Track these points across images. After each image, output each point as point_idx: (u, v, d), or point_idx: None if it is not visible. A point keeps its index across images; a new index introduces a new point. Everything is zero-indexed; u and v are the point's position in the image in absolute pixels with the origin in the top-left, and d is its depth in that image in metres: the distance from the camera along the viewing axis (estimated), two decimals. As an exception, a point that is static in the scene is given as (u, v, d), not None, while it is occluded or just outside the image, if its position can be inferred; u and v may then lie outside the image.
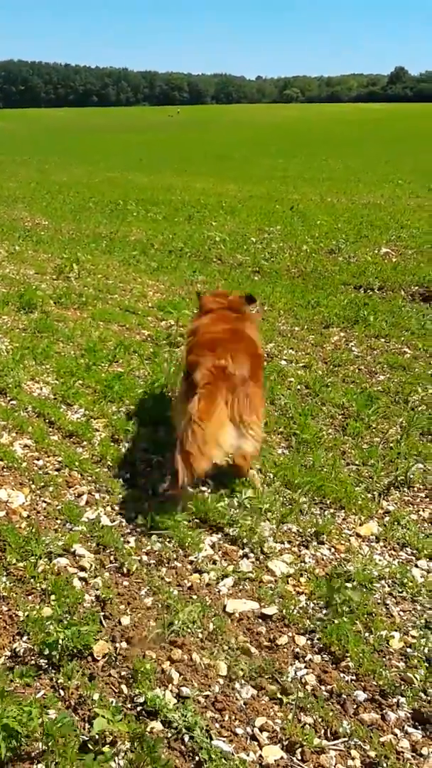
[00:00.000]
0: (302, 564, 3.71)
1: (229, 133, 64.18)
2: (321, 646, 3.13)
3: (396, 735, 2.70)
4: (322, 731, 2.71)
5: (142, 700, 2.83)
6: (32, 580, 3.56)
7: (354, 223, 13.82)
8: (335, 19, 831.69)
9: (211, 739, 2.65)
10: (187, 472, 3.69)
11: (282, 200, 17.75)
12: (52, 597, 3.41)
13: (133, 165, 32.43)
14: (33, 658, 3.06)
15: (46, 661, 3.04)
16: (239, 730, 2.71)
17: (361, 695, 2.87)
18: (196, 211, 16.26)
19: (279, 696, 2.86)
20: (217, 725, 2.74)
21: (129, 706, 2.82)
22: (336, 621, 3.21)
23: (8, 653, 3.11)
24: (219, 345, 4.11)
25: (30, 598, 3.46)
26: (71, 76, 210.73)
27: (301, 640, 3.17)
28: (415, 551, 3.81)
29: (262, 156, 35.38)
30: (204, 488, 4.40)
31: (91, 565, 3.69)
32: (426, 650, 3.09)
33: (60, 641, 3.03)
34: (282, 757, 2.60)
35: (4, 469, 4.71)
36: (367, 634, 3.20)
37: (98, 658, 3.06)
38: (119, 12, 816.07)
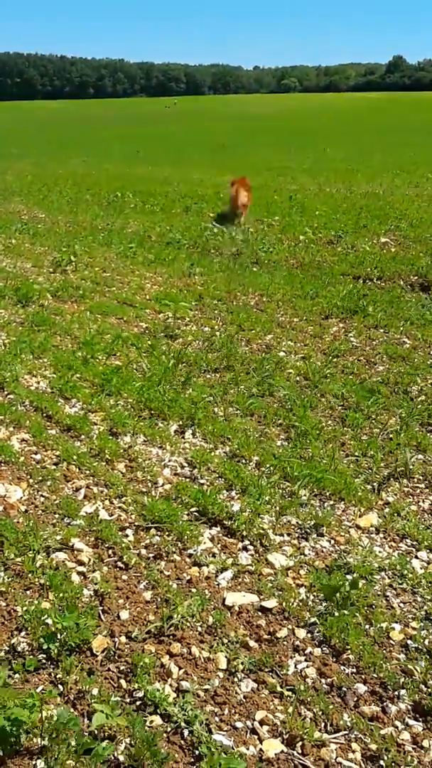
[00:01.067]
0: (302, 556, 3.69)
1: (226, 123, 63.88)
2: (321, 638, 3.12)
3: (397, 727, 2.69)
4: (323, 724, 2.70)
5: (141, 694, 2.81)
6: (30, 574, 3.55)
7: (353, 213, 13.76)
8: (333, 8, 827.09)
9: (211, 733, 2.64)
10: (234, 206, 13.01)
11: (280, 190, 17.68)
12: (51, 592, 3.40)
13: (130, 157, 32.30)
14: (32, 653, 3.05)
15: (44, 655, 3.02)
16: (239, 724, 2.70)
17: (362, 688, 2.86)
18: (193, 202, 16.18)
19: (279, 689, 2.85)
20: (217, 719, 2.72)
21: (128, 700, 2.81)
22: (336, 613, 3.19)
23: (7, 648, 3.10)
24: (240, 182, 13.14)
25: (28, 592, 3.44)
26: (67, 68, 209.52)
27: (301, 633, 3.16)
28: (415, 542, 3.79)
29: (260, 146, 35.22)
30: (203, 481, 4.40)
31: (90, 560, 3.67)
32: (427, 642, 3.08)
33: (58, 636, 3.02)
34: (282, 751, 2.59)
35: (2, 464, 4.69)
36: (367, 627, 3.18)
37: (97, 653, 3.05)
38: (115, 3, 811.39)
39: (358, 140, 37.90)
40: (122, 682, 2.90)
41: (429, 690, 2.83)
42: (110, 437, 4.98)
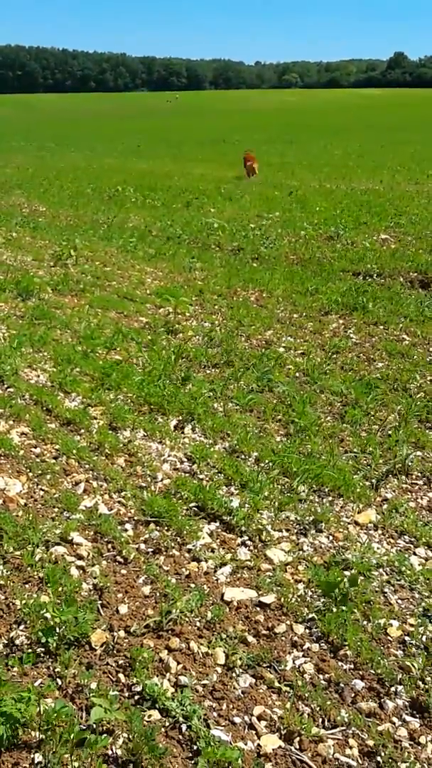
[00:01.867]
0: (300, 552, 3.70)
1: (227, 118, 63.74)
2: (319, 634, 3.12)
3: (394, 723, 2.69)
4: (321, 720, 2.71)
5: (139, 688, 2.82)
6: (29, 568, 3.55)
7: (353, 209, 13.74)
8: (334, 4, 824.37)
9: (209, 727, 2.65)
10: (249, 172, 19.69)
11: (281, 186, 17.65)
12: (49, 585, 3.39)
13: (131, 151, 32.24)
14: (30, 646, 3.05)
15: (43, 649, 3.03)
16: (237, 719, 2.71)
17: (359, 684, 2.86)
18: (194, 197, 16.16)
19: (277, 685, 2.86)
20: (215, 714, 2.73)
21: (127, 694, 2.81)
22: (334, 609, 3.20)
23: (5, 642, 3.10)
24: (251, 157, 20.20)
25: (27, 586, 3.44)
26: (69, 62, 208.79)
27: (300, 629, 3.16)
28: (413, 539, 3.80)
29: (260, 142, 35.14)
30: (202, 476, 4.40)
31: (89, 554, 3.67)
32: (424, 638, 3.08)
33: (57, 630, 3.02)
34: (280, 746, 2.60)
35: (1, 457, 4.69)
36: (365, 623, 3.19)
37: (96, 647, 3.05)
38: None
39: (358, 136, 37.83)
40: (121, 676, 2.90)
41: (426, 686, 2.84)
42: (110, 432, 4.98)
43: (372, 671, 2.92)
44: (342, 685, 2.86)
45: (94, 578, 3.48)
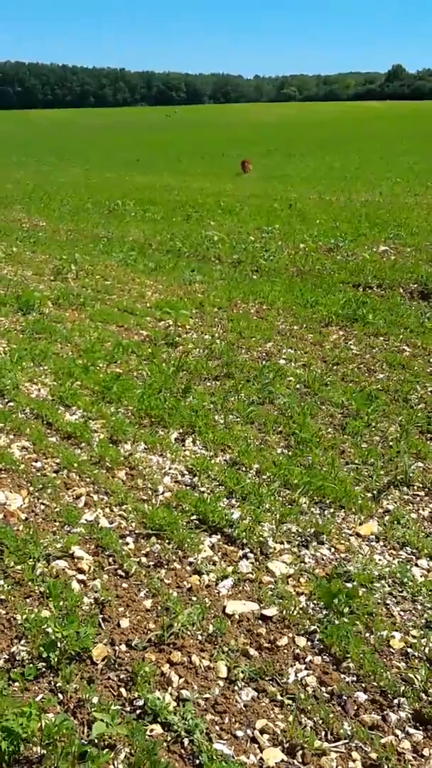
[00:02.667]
0: (302, 564, 3.69)
1: (226, 132, 64.12)
2: (321, 647, 3.11)
3: (397, 736, 2.68)
4: (323, 733, 2.69)
5: (141, 703, 2.81)
6: (30, 582, 3.54)
7: (352, 221, 13.80)
8: (332, 18, 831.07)
9: (212, 741, 2.63)
10: (245, 170, 25.51)
11: (280, 199, 17.73)
12: (51, 600, 3.39)
13: (130, 165, 32.42)
14: (31, 661, 3.04)
15: (44, 664, 3.02)
16: (239, 733, 2.69)
17: (362, 696, 2.85)
18: (194, 210, 16.24)
19: (280, 698, 2.85)
20: (218, 728, 2.72)
21: (128, 709, 2.80)
22: (336, 621, 3.19)
23: (6, 656, 3.09)
24: (247, 161, 26.70)
25: (28, 601, 3.43)
26: (68, 77, 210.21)
27: (302, 641, 3.15)
28: (415, 550, 3.79)
29: (260, 155, 35.34)
30: (203, 489, 4.40)
31: (90, 567, 3.67)
32: (427, 650, 3.07)
33: (58, 644, 3.01)
34: (283, 760, 2.58)
35: (2, 471, 4.69)
36: (367, 635, 3.18)
37: (97, 661, 3.04)
38: (117, 13, 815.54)
39: (357, 149, 38.04)
40: (122, 690, 2.89)
41: (429, 698, 2.82)
42: (111, 445, 4.99)
43: (375, 683, 2.91)
44: (345, 697, 2.85)
45: (96, 592, 3.48)
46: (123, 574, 3.63)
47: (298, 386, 5.97)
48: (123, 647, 3.12)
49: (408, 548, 3.82)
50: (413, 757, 2.59)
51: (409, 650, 3.09)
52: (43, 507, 4.28)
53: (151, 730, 2.68)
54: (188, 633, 3.18)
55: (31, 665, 3.00)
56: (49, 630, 3.09)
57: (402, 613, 3.33)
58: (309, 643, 3.14)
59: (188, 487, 4.44)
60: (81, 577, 3.61)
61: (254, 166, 28.07)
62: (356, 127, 66.35)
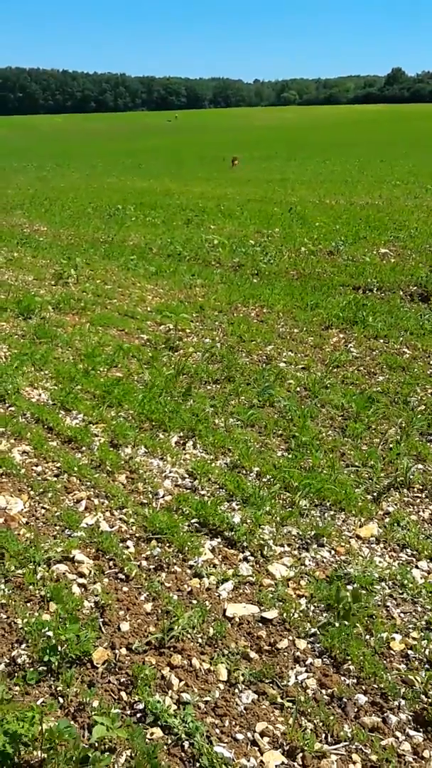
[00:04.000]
0: (302, 567, 3.69)
1: (227, 136, 64.22)
2: (322, 649, 3.11)
3: (397, 738, 2.68)
4: (323, 735, 2.69)
5: (141, 706, 2.81)
6: (31, 587, 3.55)
7: (352, 224, 13.81)
8: (332, 22, 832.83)
9: (212, 744, 2.64)
10: (233, 165, 30.90)
11: (280, 202, 17.75)
12: (51, 604, 3.40)
13: (131, 170, 32.48)
14: (32, 665, 3.04)
15: (45, 668, 3.02)
16: (240, 736, 2.70)
17: (362, 698, 2.85)
18: (194, 214, 16.26)
19: (280, 700, 2.85)
20: (218, 731, 2.72)
21: (129, 712, 2.80)
22: (337, 624, 3.19)
23: (7, 661, 3.10)
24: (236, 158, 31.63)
25: (29, 605, 3.44)
26: (69, 83, 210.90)
27: (302, 644, 3.15)
28: (415, 552, 3.79)
29: (260, 159, 35.39)
30: (204, 492, 4.40)
31: (90, 571, 3.67)
32: (427, 652, 3.07)
33: (59, 648, 3.02)
34: (283, 763, 2.58)
35: (3, 476, 4.70)
36: (368, 637, 3.18)
37: (98, 665, 3.04)
38: (117, 18, 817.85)
39: (357, 152, 38.08)
40: (123, 694, 2.89)
41: (430, 700, 2.82)
42: (111, 449, 4.99)
43: (375, 686, 2.91)
44: (345, 700, 2.85)
45: (96, 596, 3.48)
46: (123, 577, 3.64)
47: (298, 389, 5.97)
48: (123, 651, 3.12)
49: (408, 550, 3.82)
50: (413, 759, 2.59)
51: (410, 652, 3.09)
52: (43, 511, 4.28)
53: (152, 734, 2.68)
54: (188, 636, 3.18)
55: (32, 669, 3.01)
56: (50, 634, 3.10)
57: (402, 615, 3.33)
58: (309, 646, 3.15)
59: (189, 491, 4.45)
60: (81, 580, 3.61)
61: (254, 170, 28.09)
62: (356, 130, 66.42)
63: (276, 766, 2.57)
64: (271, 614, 3.33)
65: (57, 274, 10.40)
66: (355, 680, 2.95)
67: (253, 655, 3.10)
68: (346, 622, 3.18)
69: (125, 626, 3.27)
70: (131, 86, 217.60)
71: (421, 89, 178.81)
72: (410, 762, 2.57)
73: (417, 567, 3.67)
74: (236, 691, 2.91)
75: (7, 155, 46.40)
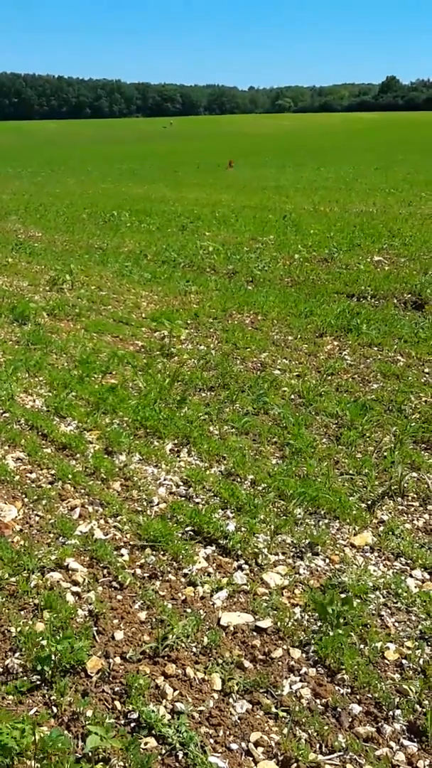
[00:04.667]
0: (297, 575, 3.69)
1: (222, 143, 64.41)
2: (316, 658, 3.11)
3: (392, 748, 2.67)
4: (318, 745, 2.69)
5: (135, 715, 2.80)
6: (25, 595, 3.53)
7: (347, 231, 13.86)
8: (327, 30, 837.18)
9: (206, 754, 2.63)
10: (230, 167, 33.53)
11: (275, 210, 17.80)
12: (45, 612, 3.38)
13: (126, 176, 32.52)
14: (25, 674, 3.03)
15: (38, 677, 3.00)
16: (234, 745, 2.69)
17: (357, 708, 2.85)
18: (189, 221, 16.29)
19: (274, 710, 2.84)
20: (212, 740, 2.71)
21: (123, 722, 2.79)
22: (331, 633, 3.19)
23: (0, 669, 3.08)
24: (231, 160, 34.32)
25: (22, 613, 3.43)
26: (64, 89, 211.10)
27: (296, 653, 3.15)
28: (409, 561, 3.79)
29: (255, 166, 35.50)
30: (198, 500, 4.40)
31: (85, 579, 3.66)
32: (421, 661, 3.07)
33: (53, 657, 3.00)
34: (277, 773, 2.58)
35: (-3, 483, 4.68)
36: (362, 646, 3.17)
37: (91, 674, 3.03)
38: (112, 25, 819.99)
39: (352, 160, 38.24)
40: (117, 703, 2.88)
41: (424, 710, 2.82)
42: (105, 456, 4.99)
43: (369, 695, 2.91)
44: (339, 709, 2.84)
45: (90, 604, 3.47)
46: (117, 585, 3.63)
47: (292, 397, 5.98)
48: (117, 660, 3.11)
49: (402, 559, 3.82)
50: (408, 769, 2.59)
51: (404, 662, 3.09)
52: (37, 518, 4.27)
53: (146, 743, 2.67)
54: (183, 645, 3.18)
55: (25, 678, 2.99)
56: (44, 642, 3.08)
57: (396, 624, 3.33)
58: (304, 655, 3.14)
59: (183, 498, 4.44)
60: (75, 589, 3.60)
61: (249, 177, 28.19)
62: (350, 138, 66.75)
63: (270, 776, 2.56)
64: (266, 623, 3.33)
65: (52, 280, 10.40)
66: (349, 690, 2.95)
67: (247, 664, 3.09)
68: (340, 631, 3.18)
69: (119, 635, 3.26)
70: (127, 92, 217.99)
71: (415, 97, 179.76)
72: (404, 772, 2.57)
73: (411, 576, 3.68)
74: (230, 700, 2.90)
75: (1, 161, 46.38)
